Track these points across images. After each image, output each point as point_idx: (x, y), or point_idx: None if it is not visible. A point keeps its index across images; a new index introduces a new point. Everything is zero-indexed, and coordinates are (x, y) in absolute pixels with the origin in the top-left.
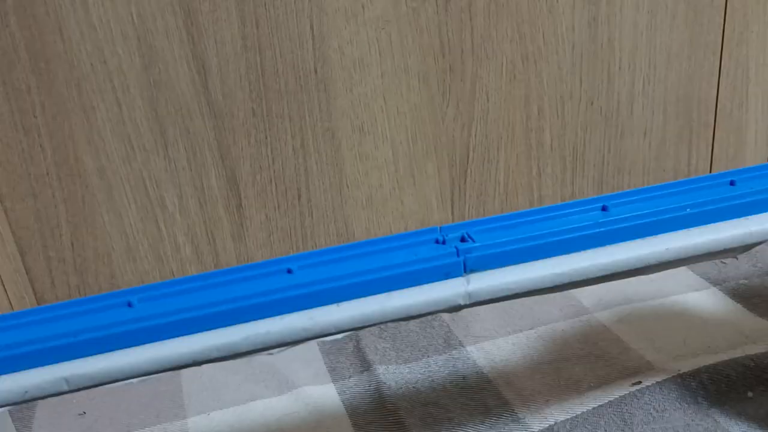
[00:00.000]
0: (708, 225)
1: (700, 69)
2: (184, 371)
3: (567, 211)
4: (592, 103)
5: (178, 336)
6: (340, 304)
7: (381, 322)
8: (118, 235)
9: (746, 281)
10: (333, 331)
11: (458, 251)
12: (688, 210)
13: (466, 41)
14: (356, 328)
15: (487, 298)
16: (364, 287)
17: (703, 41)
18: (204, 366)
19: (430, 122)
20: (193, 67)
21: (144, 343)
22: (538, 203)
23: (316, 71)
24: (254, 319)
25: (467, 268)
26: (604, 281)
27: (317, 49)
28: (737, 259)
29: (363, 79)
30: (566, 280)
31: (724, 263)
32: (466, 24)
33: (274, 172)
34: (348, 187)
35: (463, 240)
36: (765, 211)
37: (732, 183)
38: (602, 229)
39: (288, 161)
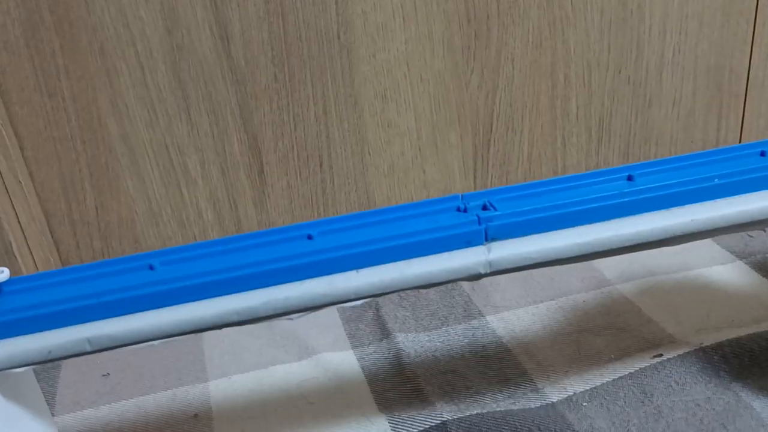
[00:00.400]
0: (736, 196)
1: (733, 37)
2: (205, 335)
3: (592, 180)
4: (620, 72)
5: (198, 299)
6: (359, 270)
7: (400, 289)
8: (141, 200)
9: None
10: (352, 297)
11: (479, 219)
12: (716, 180)
13: (492, 7)
14: (375, 295)
15: (508, 267)
16: (384, 254)
17: (736, 8)
18: (225, 330)
19: (454, 90)
20: (216, 32)
21: (165, 306)
22: (562, 173)
23: (339, 36)
24: (274, 284)
25: (488, 237)
26: (627, 252)
27: (340, 14)
28: (765, 231)
29: (386, 45)
30: (589, 251)
31: (751, 236)
32: None
33: (296, 138)
34: (370, 154)
35: (484, 208)
36: None
37: (762, 154)
38: (627, 199)
39: (310, 128)
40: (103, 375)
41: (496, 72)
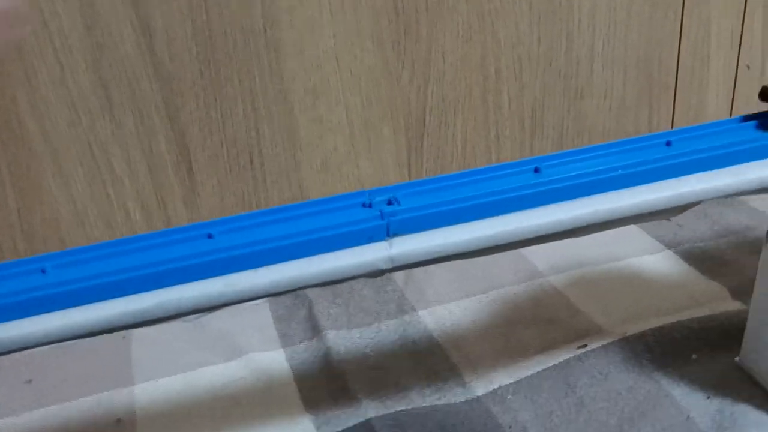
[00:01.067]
0: (639, 186)
1: (661, 29)
2: (134, 338)
3: (499, 173)
4: (550, 64)
5: (90, 302)
6: (257, 269)
7: (300, 287)
8: (65, 201)
9: (702, 244)
10: (250, 296)
11: (382, 214)
12: (619, 171)
13: (420, 1)
14: (274, 294)
15: (410, 261)
16: (285, 251)
17: (664, 0)
18: (154, 333)
19: (385, 84)
20: (138, 29)
21: (55, 310)
22: None
23: (265, 32)
24: (170, 285)
25: (390, 232)
26: (532, 244)
27: (266, 9)
28: (670, 221)
29: (315, 40)
30: (492, 243)
31: (680, 225)
32: None
33: (225, 135)
34: (302, 150)
35: (389, 203)
36: (698, 172)
37: (668, 144)
38: (531, 191)
39: (239, 124)
40: (26, 382)
41: (427, 66)
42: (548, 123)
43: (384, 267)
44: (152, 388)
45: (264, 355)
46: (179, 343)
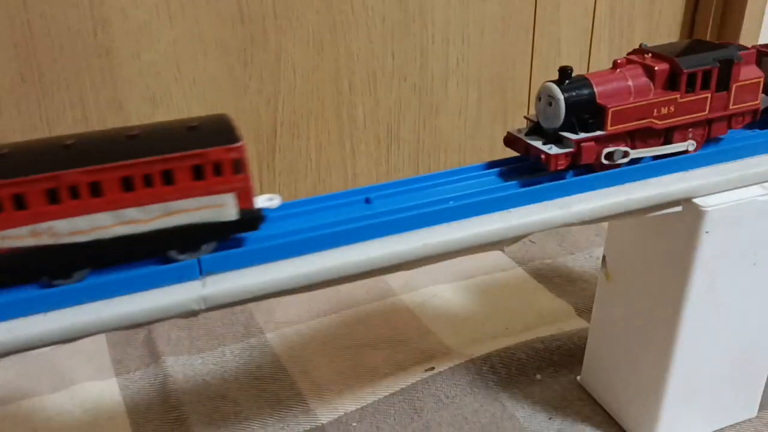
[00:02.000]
0: (470, 218)
1: (514, 47)
2: None
3: (329, 203)
4: (405, 79)
5: None
6: (47, 313)
7: (97, 332)
8: None
9: (550, 261)
10: (38, 344)
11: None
12: (451, 203)
13: (268, 8)
14: (69, 340)
15: (226, 301)
16: (82, 293)
17: (516, 18)
18: None
19: (232, 94)
20: None
21: None
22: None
23: (95, 34)
24: None
25: (203, 271)
26: (359, 279)
27: (95, 9)
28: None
29: (152, 45)
30: (315, 280)
31: (533, 242)
32: None
33: None
34: None
35: None
36: (526, 204)
37: (500, 175)
38: (361, 224)
39: (68, 133)
40: None
41: (277, 76)
42: (404, 138)
43: (197, 308)
44: None
45: (95, 384)
46: (0, 372)
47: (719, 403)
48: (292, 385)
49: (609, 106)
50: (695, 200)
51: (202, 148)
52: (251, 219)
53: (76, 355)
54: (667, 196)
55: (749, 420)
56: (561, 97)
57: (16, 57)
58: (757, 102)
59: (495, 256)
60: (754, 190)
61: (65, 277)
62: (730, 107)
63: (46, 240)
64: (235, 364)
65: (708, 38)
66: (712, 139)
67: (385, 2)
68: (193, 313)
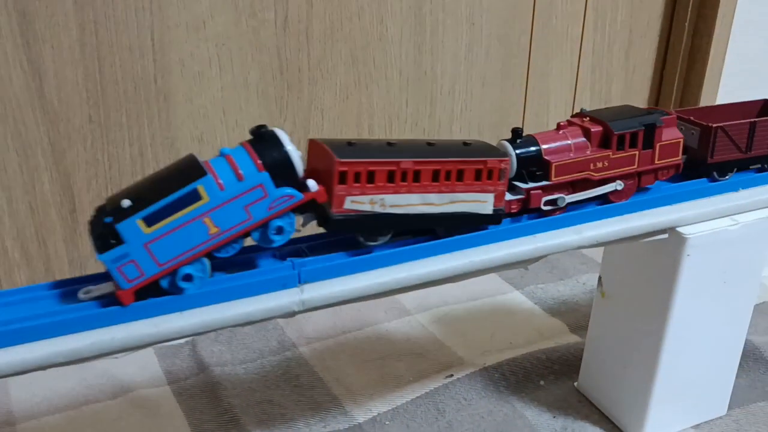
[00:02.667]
0: (499, 242)
1: (510, 98)
2: (11, 378)
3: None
4: (416, 124)
5: (21, 343)
6: (182, 312)
7: (222, 327)
8: None
9: (543, 285)
10: (177, 336)
11: (294, 264)
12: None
13: (303, 62)
14: (199, 333)
15: (318, 305)
16: (213, 296)
17: (511, 73)
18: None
19: None
20: (28, 71)
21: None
22: None
23: (156, 81)
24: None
25: (301, 280)
26: (426, 286)
27: (158, 60)
28: (527, 269)
29: (203, 91)
30: (385, 289)
31: (526, 269)
32: (303, 46)
33: (111, 178)
34: None
35: (298, 254)
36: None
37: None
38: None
39: (125, 168)
40: None
41: (307, 120)
42: None
43: (297, 309)
44: (35, 427)
45: (150, 391)
46: (60, 382)
47: (696, 402)
48: (329, 391)
49: (553, 161)
50: (679, 229)
51: (484, 158)
52: (499, 216)
53: (129, 367)
54: (657, 225)
55: (720, 417)
56: (513, 153)
57: (87, 100)
58: (678, 158)
59: (495, 282)
60: (726, 222)
61: (373, 240)
62: (656, 162)
63: (377, 209)
64: (274, 374)
65: (673, 93)
66: (642, 189)
67: (401, 59)
68: (292, 314)
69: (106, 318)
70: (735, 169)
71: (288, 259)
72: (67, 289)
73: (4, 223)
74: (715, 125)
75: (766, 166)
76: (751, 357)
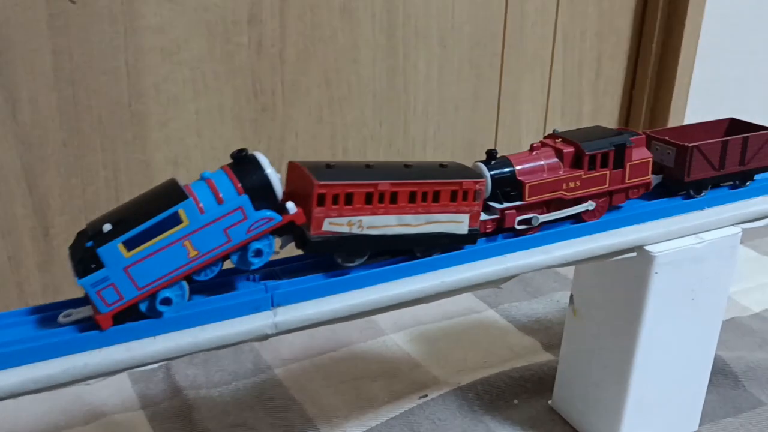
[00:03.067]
0: (469, 263)
1: (482, 119)
2: None
3: None
4: (390, 145)
5: None
6: (156, 336)
7: (196, 351)
8: None
9: (517, 303)
10: (150, 361)
11: (267, 288)
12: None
13: (277, 85)
14: (172, 358)
15: (292, 327)
16: (187, 320)
17: (483, 95)
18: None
19: None
20: (1, 97)
21: None
22: None
23: (130, 105)
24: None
25: (275, 303)
26: (398, 308)
27: (132, 85)
28: (501, 288)
29: (178, 114)
30: (358, 311)
31: (500, 288)
32: (277, 69)
33: (86, 201)
34: None
35: (270, 277)
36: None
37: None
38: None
39: (100, 191)
40: None
41: (282, 142)
42: None
43: (270, 332)
44: None
45: (124, 416)
46: (33, 406)
47: (668, 418)
48: (303, 413)
49: (526, 181)
50: (646, 247)
51: (459, 179)
52: (474, 236)
53: (102, 391)
54: (625, 244)
55: None
56: (488, 174)
57: (61, 125)
58: (648, 177)
59: (469, 300)
60: (691, 240)
61: (351, 261)
62: (626, 182)
63: (355, 230)
64: (249, 396)
65: (642, 113)
66: (614, 207)
67: (375, 80)
68: (265, 337)
69: (83, 343)
70: (709, 187)
71: (261, 282)
72: (46, 314)
73: None
74: (691, 145)
75: (737, 182)
76: (720, 373)
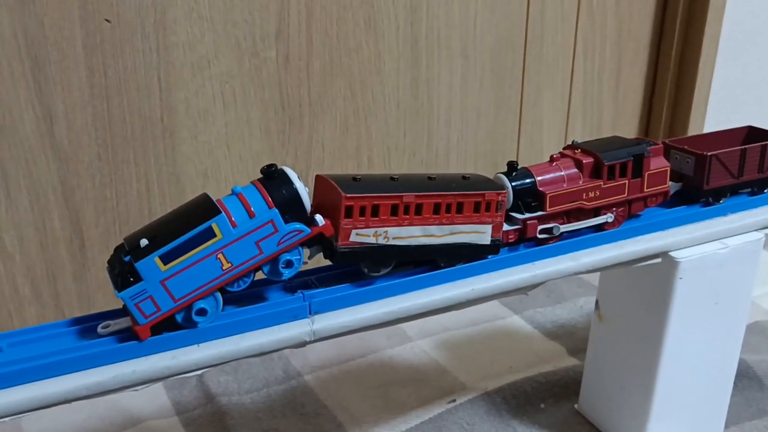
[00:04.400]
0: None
1: (504, 127)
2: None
3: None
4: (414, 155)
5: (46, 377)
6: (200, 344)
7: (237, 359)
8: None
9: (542, 309)
10: (194, 368)
11: (304, 296)
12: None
13: (304, 97)
14: (215, 365)
15: (329, 335)
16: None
17: (505, 103)
18: None
19: None
20: (39, 113)
21: (14, 385)
22: None
23: (162, 120)
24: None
25: (312, 311)
26: (429, 315)
27: (164, 99)
28: (527, 295)
29: (207, 128)
30: (392, 318)
31: (526, 295)
32: (303, 82)
33: (118, 214)
34: None
35: (307, 286)
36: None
37: None
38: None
39: (132, 204)
40: None
41: (309, 153)
42: None
43: (308, 339)
44: None
45: (159, 422)
46: (70, 415)
47: (693, 421)
48: (334, 419)
49: (547, 192)
50: (671, 253)
51: (482, 191)
52: (497, 246)
53: (137, 398)
54: (650, 250)
55: None
56: (509, 185)
57: (96, 140)
58: (666, 186)
59: (494, 307)
60: (715, 246)
61: (377, 271)
62: (645, 190)
63: (381, 241)
64: (280, 402)
65: (662, 120)
66: (633, 215)
67: (399, 91)
68: (303, 344)
69: (124, 352)
70: (728, 194)
71: (298, 291)
72: (84, 326)
73: (15, 260)
74: (709, 153)
75: (755, 189)
76: (745, 376)
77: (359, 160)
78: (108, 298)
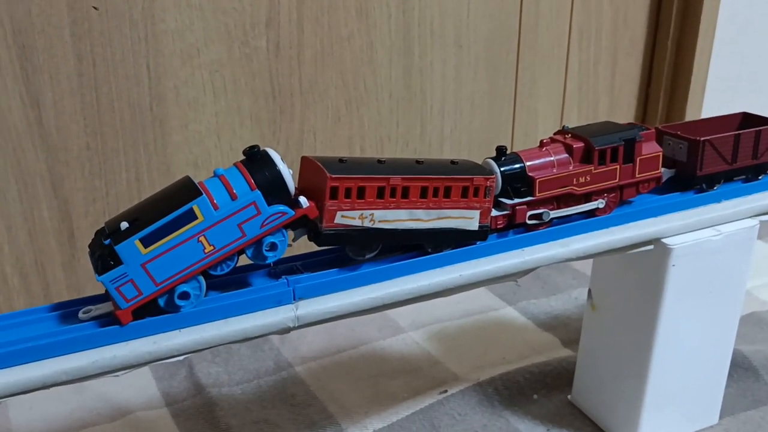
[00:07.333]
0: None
1: (498, 117)
2: (11, 403)
3: None
4: (407, 145)
5: (25, 362)
6: (181, 329)
7: (220, 344)
8: None
9: (535, 301)
10: (176, 354)
11: (288, 282)
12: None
13: (295, 86)
14: (198, 350)
15: (313, 320)
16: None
17: (499, 93)
18: (32, 397)
19: None
20: (27, 102)
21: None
22: None
23: (151, 108)
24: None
25: (296, 297)
26: (414, 302)
27: (153, 88)
28: (517, 283)
29: (197, 117)
30: (378, 304)
31: (519, 285)
32: (294, 71)
33: (108, 203)
34: None
35: (292, 272)
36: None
37: None
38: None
39: (122, 193)
40: None
41: (300, 143)
42: None
43: (292, 325)
44: None
45: (149, 413)
46: (59, 406)
47: (688, 411)
48: (324, 410)
49: (536, 176)
50: (663, 240)
51: (470, 176)
52: (485, 231)
53: (127, 390)
54: (643, 236)
55: (712, 426)
56: (498, 170)
57: (84, 129)
58: (658, 171)
59: (487, 298)
60: (709, 232)
61: (362, 255)
62: (637, 176)
63: (366, 223)
64: (271, 393)
65: (659, 110)
66: (625, 202)
67: (392, 80)
68: (287, 330)
69: (105, 337)
70: (722, 181)
71: (282, 276)
72: (66, 311)
73: (3, 250)
74: (702, 138)
75: (750, 176)
76: (740, 366)
77: (351, 150)
78: (98, 288)
